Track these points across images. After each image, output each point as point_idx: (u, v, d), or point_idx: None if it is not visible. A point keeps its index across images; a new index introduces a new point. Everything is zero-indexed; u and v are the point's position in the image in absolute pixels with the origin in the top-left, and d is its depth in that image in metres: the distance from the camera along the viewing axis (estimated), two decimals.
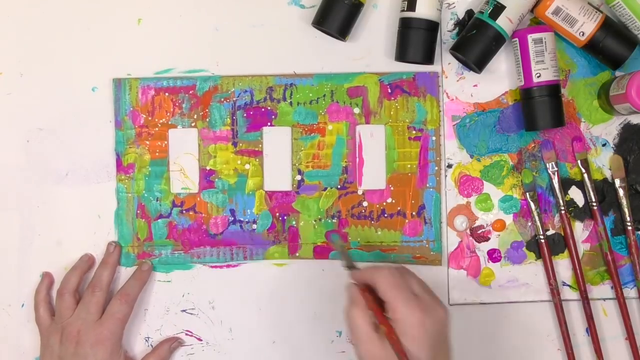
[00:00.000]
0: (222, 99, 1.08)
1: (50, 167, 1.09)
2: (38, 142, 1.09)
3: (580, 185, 1.09)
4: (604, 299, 1.10)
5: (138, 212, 1.09)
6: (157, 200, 1.09)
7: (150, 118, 1.08)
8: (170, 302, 1.10)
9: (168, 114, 1.08)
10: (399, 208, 1.09)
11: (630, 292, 1.09)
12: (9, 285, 1.10)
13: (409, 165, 1.09)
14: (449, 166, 1.09)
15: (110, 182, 1.09)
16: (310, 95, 1.08)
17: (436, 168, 1.09)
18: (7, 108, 1.09)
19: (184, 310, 1.10)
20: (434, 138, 1.08)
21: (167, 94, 1.08)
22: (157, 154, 1.09)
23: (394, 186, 1.09)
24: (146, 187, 1.09)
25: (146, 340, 1.10)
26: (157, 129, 1.09)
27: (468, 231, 1.10)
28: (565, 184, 1.09)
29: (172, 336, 1.10)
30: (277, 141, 1.08)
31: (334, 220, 1.09)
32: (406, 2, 1.05)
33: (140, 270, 1.08)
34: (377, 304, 0.91)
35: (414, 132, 1.09)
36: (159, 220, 1.09)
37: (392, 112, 1.09)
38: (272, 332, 1.08)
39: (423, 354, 0.88)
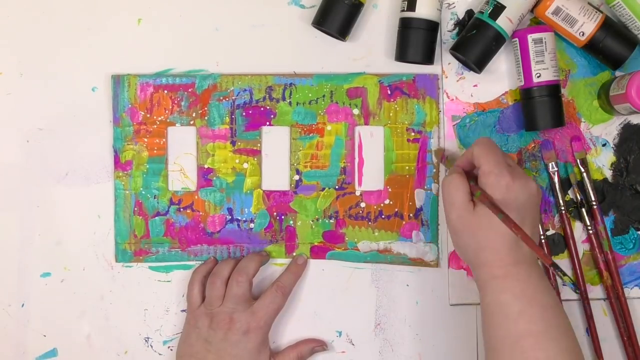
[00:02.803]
0: (221, 98, 1.08)
1: (50, 167, 1.10)
2: (38, 142, 1.09)
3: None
4: (604, 299, 1.09)
5: (135, 209, 1.09)
6: (154, 198, 1.09)
7: (148, 115, 1.08)
8: (170, 302, 1.10)
9: (167, 111, 1.08)
10: (396, 209, 1.09)
11: (630, 292, 1.09)
12: (9, 285, 1.10)
13: (407, 167, 1.08)
14: None
15: (110, 182, 1.09)
16: (310, 95, 1.08)
17: (434, 170, 1.08)
18: (7, 108, 1.09)
19: (184, 311, 1.10)
20: (432, 140, 1.08)
21: (165, 91, 1.08)
22: (155, 151, 1.09)
23: (391, 187, 1.09)
24: (144, 184, 1.09)
25: (146, 341, 1.10)
26: (155, 126, 1.09)
27: None
28: (565, 184, 1.09)
29: (318, 339, 1.10)
30: (275, 141, 1.08)
31: (331, 221, 1.09)
32: (406, 2, 1.05)
33: (295, 264, 1.09)
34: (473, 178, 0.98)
35: (412, 134, 1.08)
36: (156, 217, 1.09)
37: (391, 114, 1.08)
38: (272, 332, 1.08)
39: (511, 215, 0.93)
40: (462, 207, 0.95)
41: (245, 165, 1.08)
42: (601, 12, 1.04)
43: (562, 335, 0.92)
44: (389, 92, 1.08)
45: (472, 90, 1.09)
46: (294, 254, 1.09)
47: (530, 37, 1.04)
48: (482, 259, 0.94)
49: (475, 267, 0.96)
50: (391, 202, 1.09)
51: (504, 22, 1.03)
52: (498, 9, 1.03)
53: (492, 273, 0.94)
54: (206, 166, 1.09)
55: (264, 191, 1.09)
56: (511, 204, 0.93)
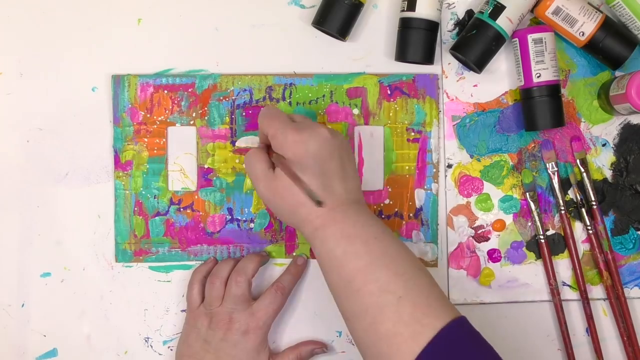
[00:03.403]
0: (221, 98, 1.08)
1: (50, 167, 1.09)
2: (38, 142, 1.09)
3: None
4: (604, 299, 1.09)
5: (135, 209, 1.09)
6: (154, 198, 1.09)
7: (148, 115, 1.08)
8: (170, 302, 1.10)
9: (167, 111, 1.08)
10: (396, 209, 1.09)
11: (630, 292, 1.09)
12: (9, 285, 1.10)
13: (407, 167, 1.08)
14: (449, 166, 1.09)
15: (109, 182, 1.09)
16: (310, 95, 1.08)
17: (434, 170, 1.08)
18: (7, 108, 1.09)
19: (184, 311, 1.10)
20: (432, 140, 1.08)
21: (166, 91, 1.08)
22: (155, 151, 1.09)
23: (391, 187, 1.09)
24: (144, 184, 1.09)
25: (146, 341, 1.10)
26: (155, 126, 1.09)
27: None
28: (565, 184, 1.09)
29: (319, 341, 1.10)
30: None
31: None
32: (406, 2, 1.05)
33: (295, 265, 1.09)
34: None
35: (412, 133, 1.08)
36: (156, 217, 1.09)
37: (391, 114, 1.08)
38: (272, 332, 1.08)
39: (309, 170, 0.93)
40: (264, 176, 0.96)
41: None
42: (601, 12, 1.04)
43: (391, 261, 0.91)
44: (389, 92, 1.08)
45: (472, 90, 1.09)
46: (294, 254, 1.09)
47: (530, 37, 1.04)
48: (298, 216, 0.95)
49: (298, 227, 0.97)
50: (391, 202, 1.08)
51: (504, 22, 1.03)
52: (498, 9, 1.03)
53: (312, 226, 0.94)
54: (206, 166, 1.09)
55: None
56: (305, 157, 0.93)
